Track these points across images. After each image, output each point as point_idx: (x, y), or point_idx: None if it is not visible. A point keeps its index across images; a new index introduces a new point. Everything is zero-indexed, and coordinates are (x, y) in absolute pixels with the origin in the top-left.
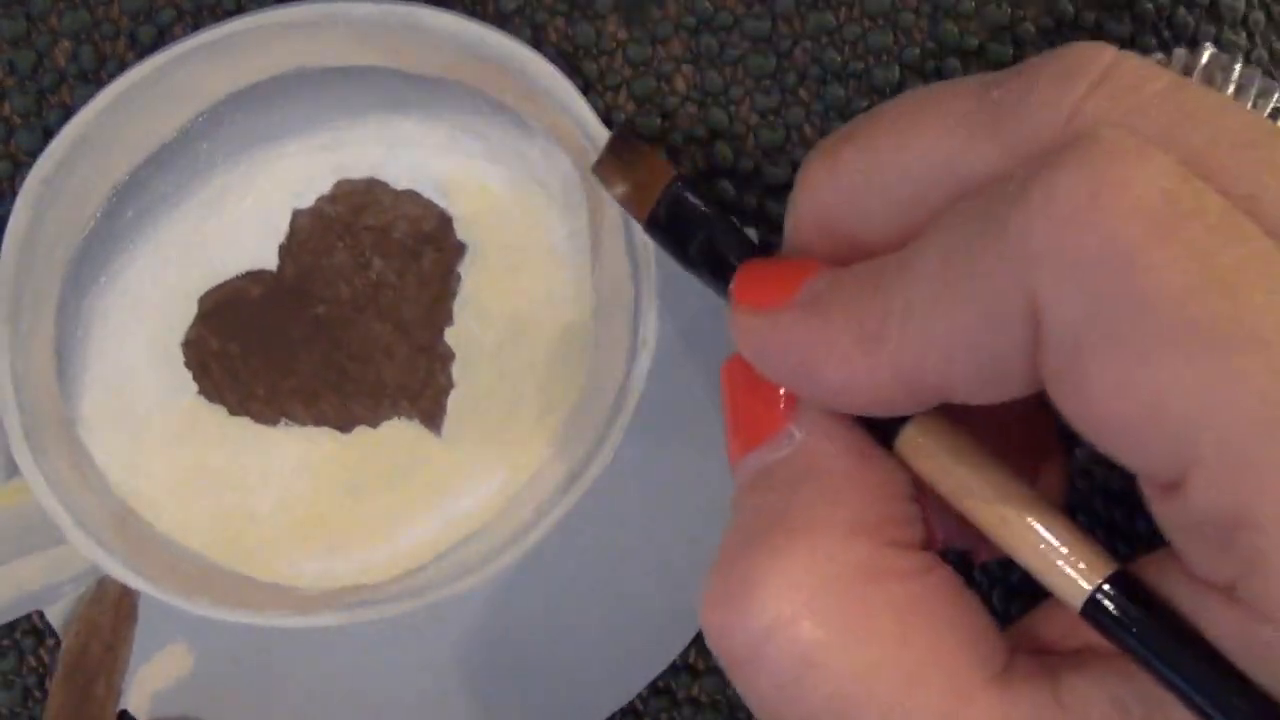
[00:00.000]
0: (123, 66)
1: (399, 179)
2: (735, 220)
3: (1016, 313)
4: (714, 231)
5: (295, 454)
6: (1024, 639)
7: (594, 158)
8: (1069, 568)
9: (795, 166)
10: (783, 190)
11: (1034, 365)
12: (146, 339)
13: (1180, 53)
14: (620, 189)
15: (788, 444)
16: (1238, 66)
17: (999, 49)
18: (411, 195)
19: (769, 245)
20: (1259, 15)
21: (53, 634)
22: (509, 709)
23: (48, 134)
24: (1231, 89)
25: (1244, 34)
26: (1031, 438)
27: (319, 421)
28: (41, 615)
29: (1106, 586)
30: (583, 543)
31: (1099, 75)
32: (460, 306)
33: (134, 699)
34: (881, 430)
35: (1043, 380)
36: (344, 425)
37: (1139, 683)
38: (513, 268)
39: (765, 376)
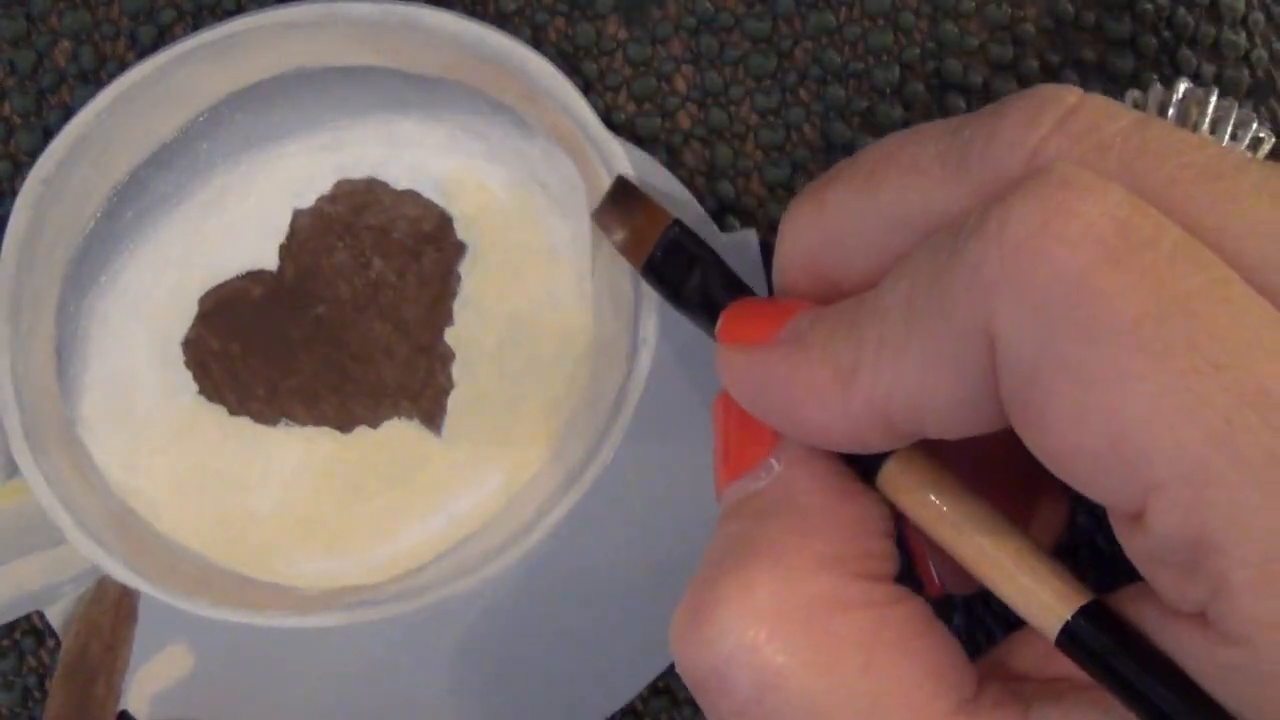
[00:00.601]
0: (123, 66)
1: (399, 179)
2: (728, 265)
3: (976, 344)
4: (707, 275)
5: (295, 454)
6: (997, 668)
7: (594, 158)
8: (1044, 599)
9: (795, 166)
10: (783, 190)
11: (994, 397)
12: (147, 339)
13: (1157, 88)
14: (619, 235)
15: (766, 475)
16: (1213, 99)
17: (999, 49)
18: (412, 195)
19: (750, 290)
20: (1259, 15)
21: (53, 634)
22: (509, 709)
23: (48, 134)
24: (1208, 122)
25: (1244, 34)
26: (1032, 470)
27: (319, 421)
28: (41, 615)
29: (1081, 617)
30: (582, 543)
31: (1062, 115)
32: (460, 307)
33: (134, 699)
34: (864, 465)
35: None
36: (344, 425)
37: (1113, 713)
38: (513, 268)
39: (750, 409)
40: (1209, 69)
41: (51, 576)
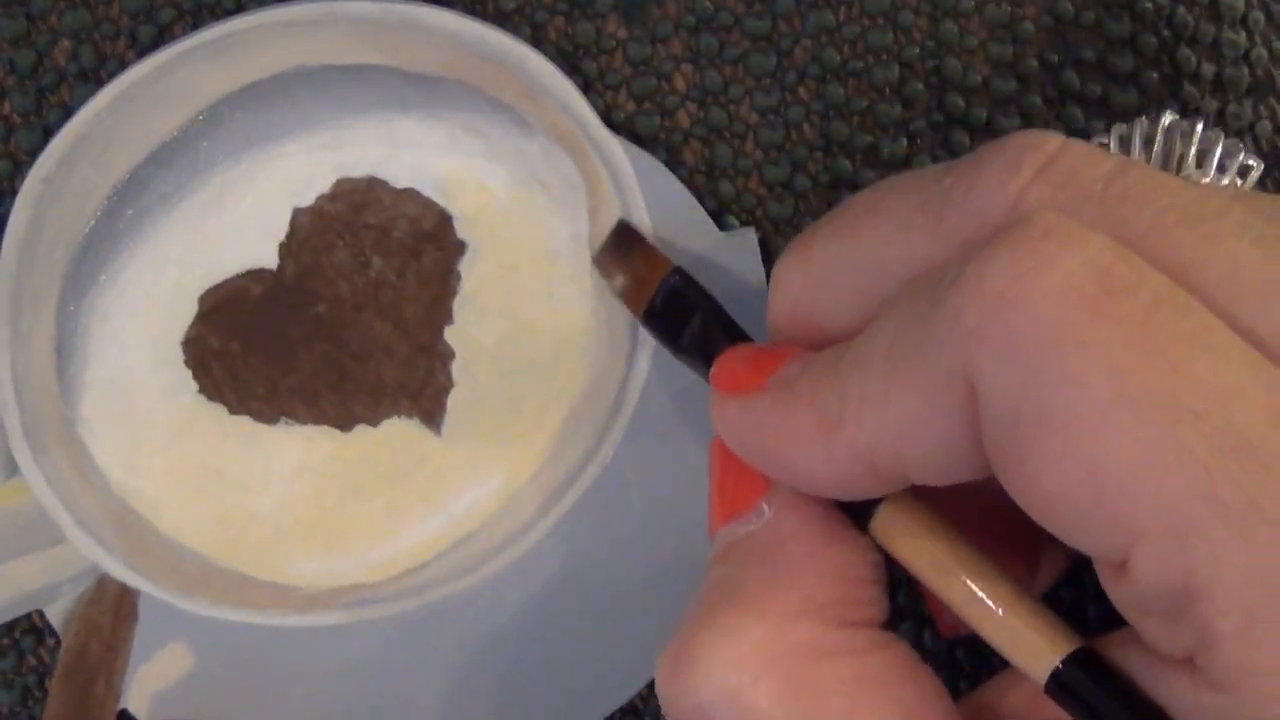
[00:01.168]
0: (123, 66)
1: (399, 178)
2: (726, 312)
3: (956, 393)
4: (705, 322)
5: (295, 453)
6: (983, 710)
7: (594, 157)
8: (1033, 644)
9: (795, 165)
10: (782, 189)
11: (977, 445)
12: (147, 338)
13: (1142, 122)
14: (619, 281)
15: (757, 520)
16: (1199, 129)
17: (999, 48)
18: (411, 194)
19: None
20: (1258, 14)
21: (53, 633)
22: (509, 708)
23: (48, 134)
24: (1194, 154)
25: (1243, 33)
26: None
27: (319, 420)
28: (41, 615)
29: (1070, 663)
30: (582, 542)
31: (1043, 163)
32: (460, 306)
33: (134, 698)
34: (857, 511)
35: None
36: (344, 424)
37: None
38: (513, 267)
39: (744, 457)
40: (1209, 68)
41: (51, 576)
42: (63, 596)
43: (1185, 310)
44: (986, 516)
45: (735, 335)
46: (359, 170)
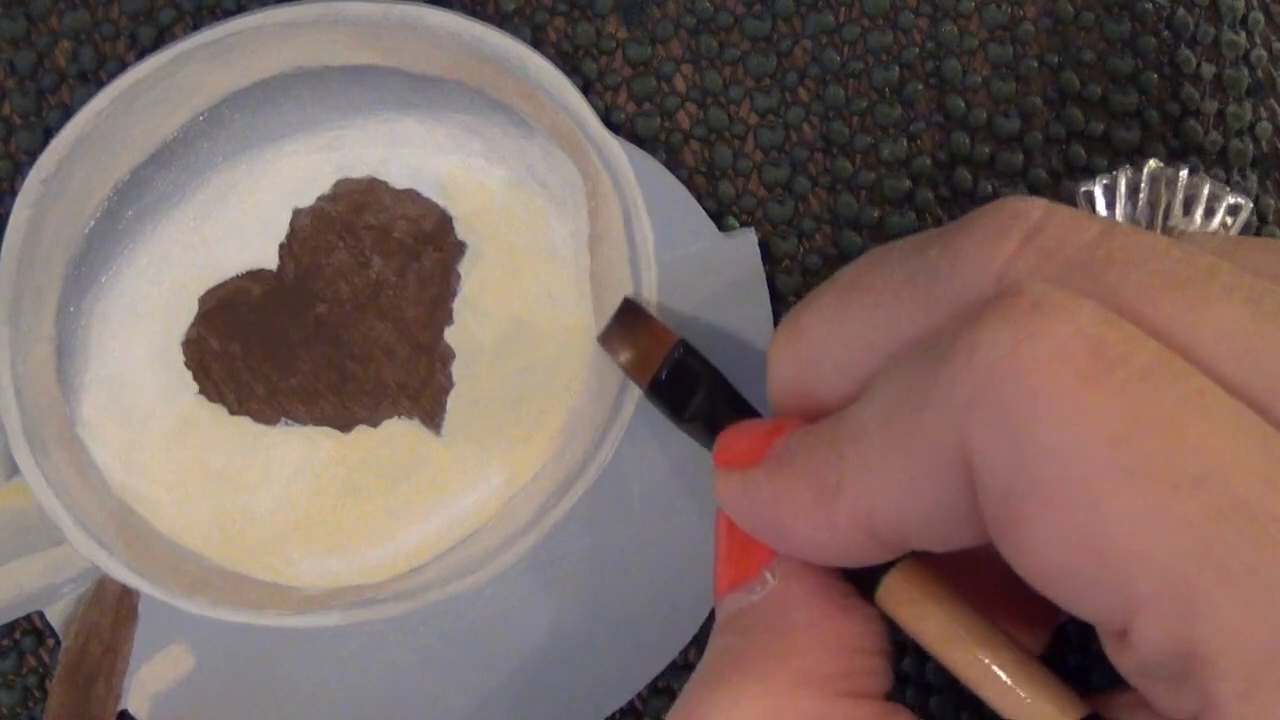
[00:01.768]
0: (123, 66)
1: (399, 178)
2: (730, 384)
3: (953, 465)
4: (710, 395)
5: (295, 453)
6: None
7: (594, 158)
8: (1041, 712)
9: (795, 166)
10: (782, 190)
11: (973, 514)
12: (147, 339)
13: (1126, 171)
14: (624, 357)
15: (761, 589)
16: (1183, 176)
17: (999, 49)
18: (411, 195)
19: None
20: (1258, 15)
21: (53, 634)
22: (509, 709)
23: (48, 134)
24: (1179, 201)
25: (1243, 33)
26: None
27: (319, 421)
28: (41, 615)
29: None
30: (582, 542)
31: (1028, 231)
32: (460, 306)
33: (134, 699)
34: (863, 580)
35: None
36: (344, 425)
37: None
38: (513, 267)
39: (747, 528)
40: (1208, 69)
41: (51, 576)
42: (63, 597)
43: (1178, 376)
44: (991, 574)
45: (738, 407)
46: (359, 171)
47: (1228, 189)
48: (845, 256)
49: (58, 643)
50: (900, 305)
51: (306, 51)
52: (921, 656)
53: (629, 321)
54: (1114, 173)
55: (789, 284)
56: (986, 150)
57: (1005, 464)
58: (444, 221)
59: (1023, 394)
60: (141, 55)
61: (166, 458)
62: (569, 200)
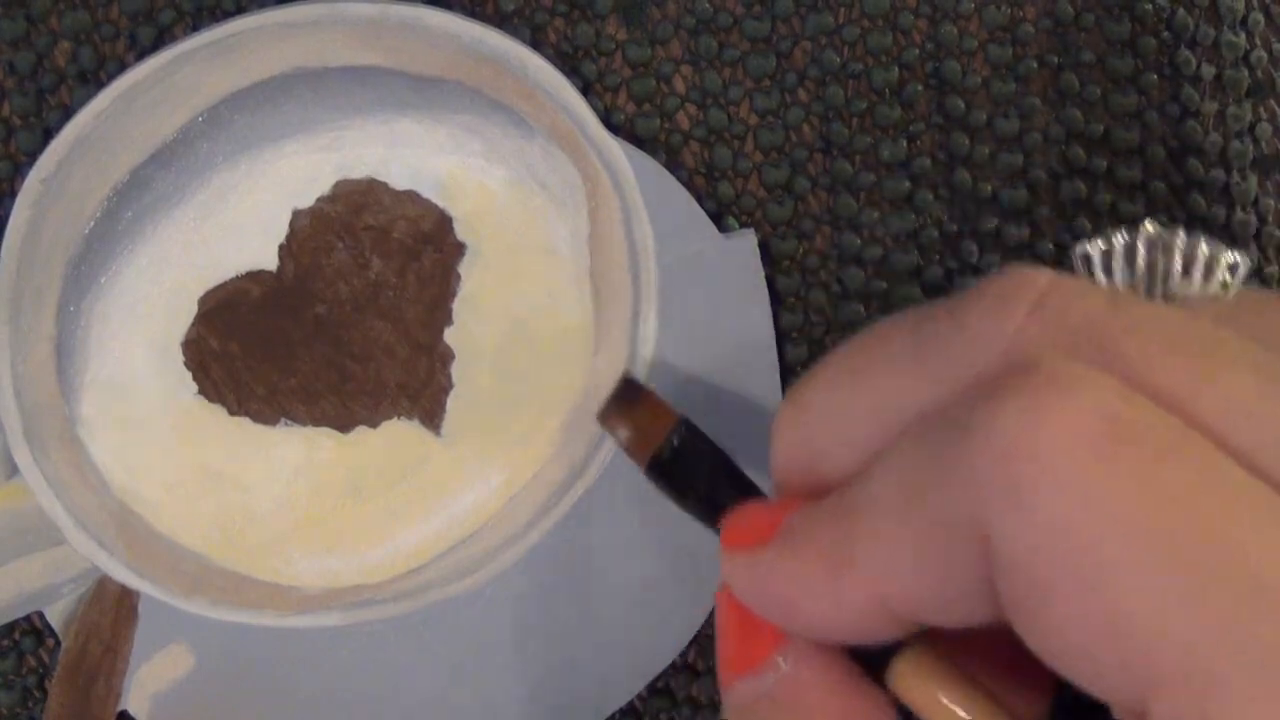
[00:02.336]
0: (122, 67)
1: (399, 179)
2: (734, 463)
3: (968, 544)
4: (713, 476)
5: (295, 454)
6: None
7: (593, 158)
8: None
9: (794, 167)
10: (781, 190)
11: (990, 593)
12: (146, 339)
13: (1120, 236)
14: (624, 434)
15: (773, 674)
16: (1179, 239)
17: (998, 50)
18: (411, 195)
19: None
20: (1258, 16)
21: (52, 634)
22: (509, 708)
23: (47, 134)
24: (1178, 264)
25: (1243, 34)
26: None
27: (319, 421)
28: (41, 615)
29: None
30: (582, 542)
31: (1034, 301)
32: (460, 306)
33: (134, 699)
34: (872, 663)
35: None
36: (344, 425)
37: None
38: (512, 268)
39: (758, 610)
40: (1209, 70)
41: (51, 577)
42: (63, 597)
43: (1194, 454)
44: (985, 640)
45: (742, 487)
46: (359, 171)
47: (1223, 246)
48: (845, 257)
49: (57, 643)
50: (907, 379)
51: (306, 52)
52: None
53: (628, 398)
54: (1110, 235)
55: (789, 284)
56: (986, 151)
57: (1022, 543)
58: (443, 222)
59: (1039, 473)
60: (141, 56)
61: (166, 458)
62: (569, 200)
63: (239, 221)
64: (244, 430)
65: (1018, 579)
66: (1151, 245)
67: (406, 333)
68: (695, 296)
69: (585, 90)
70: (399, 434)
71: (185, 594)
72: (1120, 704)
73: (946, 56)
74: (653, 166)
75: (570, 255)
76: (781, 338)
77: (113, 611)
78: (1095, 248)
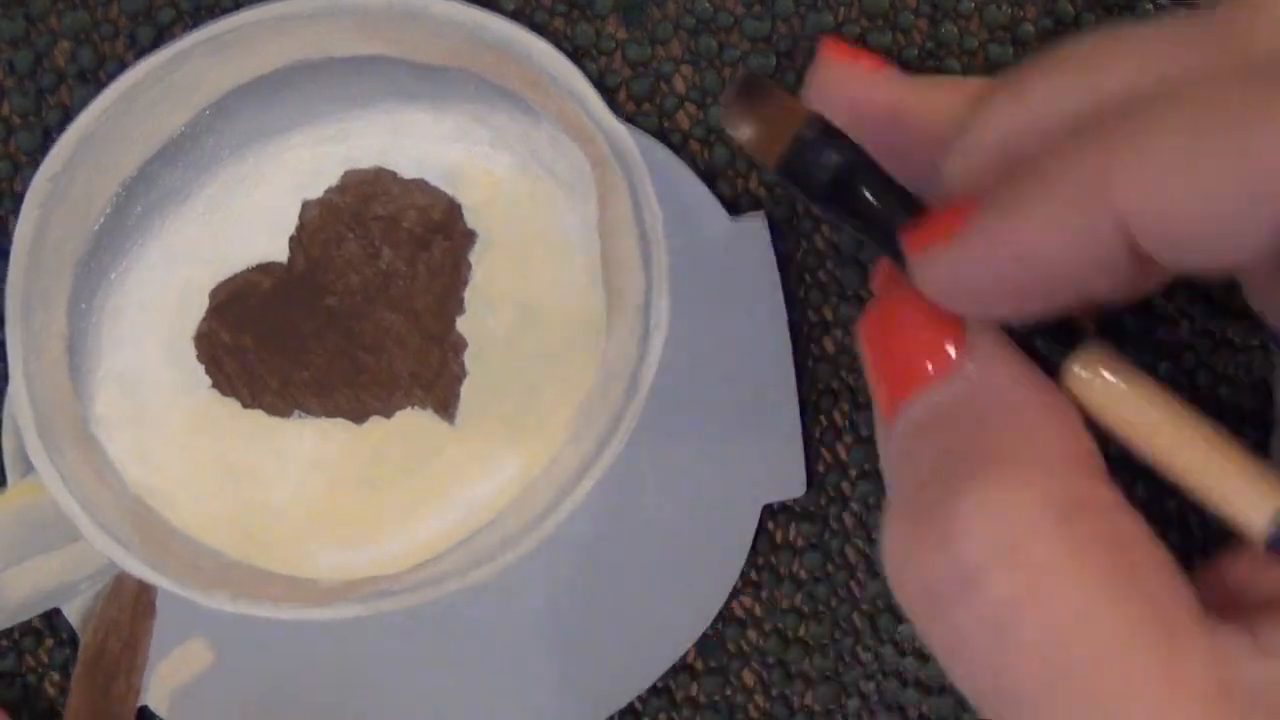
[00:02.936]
0: (122, 67)
1: (407, 168)
2: (874, 159)
3: (1274, 191)
4: (855, 171)
5: (310, 446)
6: (1210, 588)
7: (601, 143)
8: (1250, 496)
9: None
10: (781, 190)
11: (1277, 240)
12: (159, 334)
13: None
14: (749, 131)
15: (961, 380)
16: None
17: (999, 49)
18: (420, 184)
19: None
20: None
21: (52, 634)
22: (529, 697)
23: (47, 134)
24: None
25: None
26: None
27: (332, 413)
28: (41, 616)
29: None
30: (598, 530)
31: None
32: (471, 295)
33: (154, 695)
34: (1045, 362)
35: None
36: (358, 416)
37: None
38: (523, 255)
39: (954, 305)
40: None
41: (68, 574)
42: (81, 594)
43: None
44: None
45: (882, 182)
46: (366, 161)
47: None
48: (845, 257)
49: (57, 642)
50: (1172, 62)
51: (309, 44)
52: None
53: (752, 93)
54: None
55: (788, 285)
56: None
57: None
58: (453, 210)
59: None
60: (140, 55)
61: (181, 453)
62: (578, 186)
63: (248, 215)
64: (258, 423)
65: None
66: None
67: (418, 322)
68: (707, 280)
69: None
70: (413, 424)
71: (204, 589)
72: None
73: (946, 56)
74: (661, 151)
75: (580, 241)
76: None
77: (131, 608)
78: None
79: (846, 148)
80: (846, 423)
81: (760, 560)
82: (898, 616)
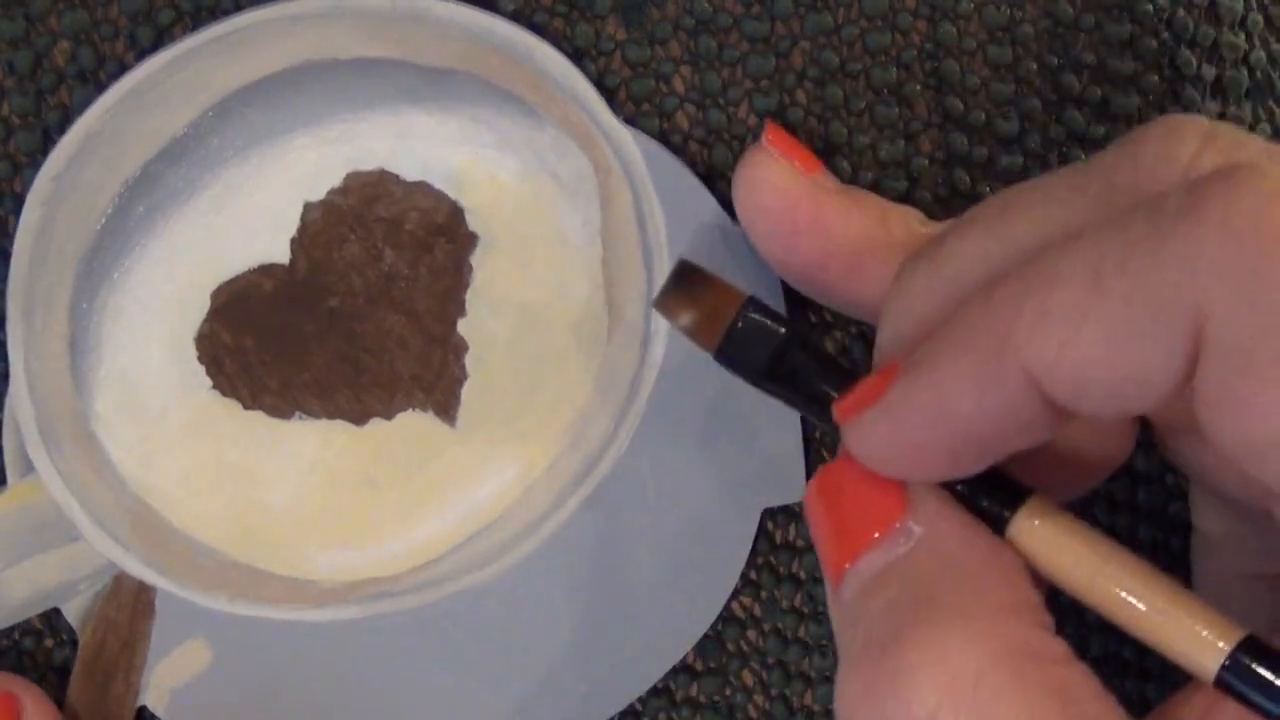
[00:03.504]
0: (122, 67)
1: (410, 171)
2: (810, 338)
3: (1176, 323)
4: (789, 351)
5: (310, 447)
6: None
7: (604, 146)
8: (1198, 638)
9: None
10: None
11: (1179, 377)
12: (160, 334)
13: None
14: (687, 319)
15: (906, 540)
16: None
17: (998, 50)
18: (422, 186)
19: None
20: (1257, 17)
21: (52, 634)
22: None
23: (47, 134)
24: None
25: (1243, 35)
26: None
27: (333, 414)
28: (41, 616)
29: (1241, 651)
30: (598, 533)
31: (1204, 135)
32: (473, 297)
33: (152, 695)
34: (991, 521)
35: (1194, 393)
36: (358, 418)
37: None
38: (525, 258)
39: (888, 469)
40: (1209, 70)
41: (68, 573)
42: (80, 594)
43: None
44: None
45: (820, 360)
46: (369, 163)
47: None
48: None
49: (56, 642)
50: (1071, 211)
51: (314, 45)
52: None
53: (687, 282)
54: None
55: (788, 287)
56: (985, 151)
57: (1247, 330)
58: (455, 213)
59: (1275, 259)
60: (141, 55)
61: (181, 453)
62: (580, 190)
63: (250, 215)
64: (259, 424)
65: (1230, 366)
66: None
67: (420, 324)
68: None
69: None
70: (414, 426)
71: (203, 589)
72: None
73: (946, 57)
74: (663, 154)
75: (583, 245)
76: None
77: (130, 608)
78: None
79: (782, 331)
80: None
81: (760, 561)
82: None
